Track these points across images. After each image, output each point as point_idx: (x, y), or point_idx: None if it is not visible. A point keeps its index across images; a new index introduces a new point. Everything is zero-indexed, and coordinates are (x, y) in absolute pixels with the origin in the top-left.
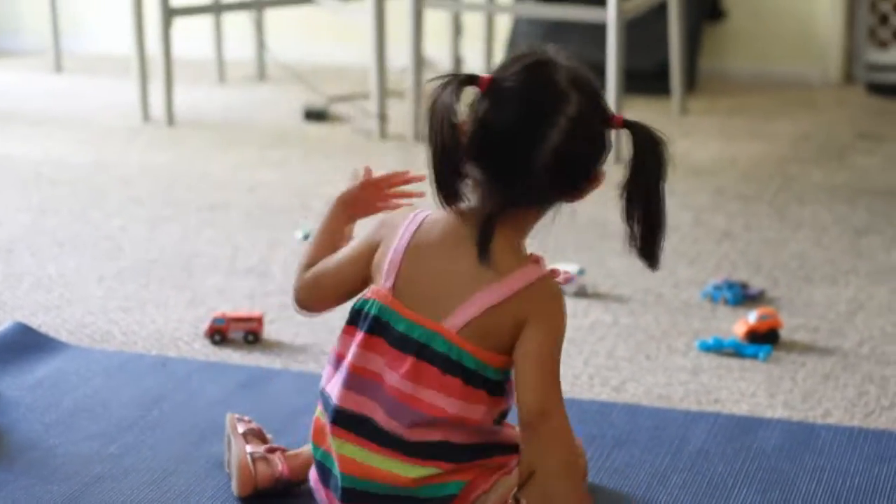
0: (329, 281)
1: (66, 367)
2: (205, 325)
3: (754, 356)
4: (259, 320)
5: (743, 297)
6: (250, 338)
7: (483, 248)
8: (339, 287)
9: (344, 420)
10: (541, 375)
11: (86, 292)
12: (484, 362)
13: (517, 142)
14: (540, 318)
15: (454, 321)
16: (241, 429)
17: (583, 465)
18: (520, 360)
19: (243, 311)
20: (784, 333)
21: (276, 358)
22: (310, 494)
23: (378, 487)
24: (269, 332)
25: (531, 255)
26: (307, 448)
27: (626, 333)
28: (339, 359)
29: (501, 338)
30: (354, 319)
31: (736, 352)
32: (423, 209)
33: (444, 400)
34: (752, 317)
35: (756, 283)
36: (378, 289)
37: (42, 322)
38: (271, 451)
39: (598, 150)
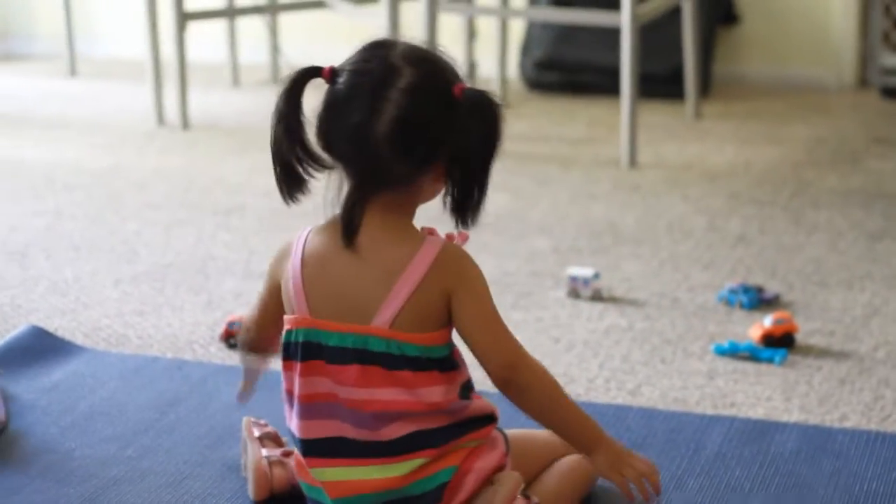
0: (264, 316)
1: (82, 370)
2: (220, 329)
3: (770, 360)
4: None
5: (758, 301)
6: None
7: (348, 232)
8: (276, 319)
9: (313, 449)
10: (491, 334)
11: (101, 296)
12: (425, 345)
13: (354, 119)
14: (460, 283)
15: (382, 318)
16: (257, 432)
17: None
18: (465, 330)
19: None
20: (800, 337)
21: None
22: None
23: (371, 499)
24: None
25: (423, 229)
26: None
27: (641, 337)
28: (289, 395)
29: (432, 315)
30: (287, 353)
31: (752, 356)
32: (304, 227)
33: (399, 393)
34: (767, 321)
35: (771, 288)
36: (295, 317)
37: (58, 325)
38: (287, 454)
39: (440, 118)
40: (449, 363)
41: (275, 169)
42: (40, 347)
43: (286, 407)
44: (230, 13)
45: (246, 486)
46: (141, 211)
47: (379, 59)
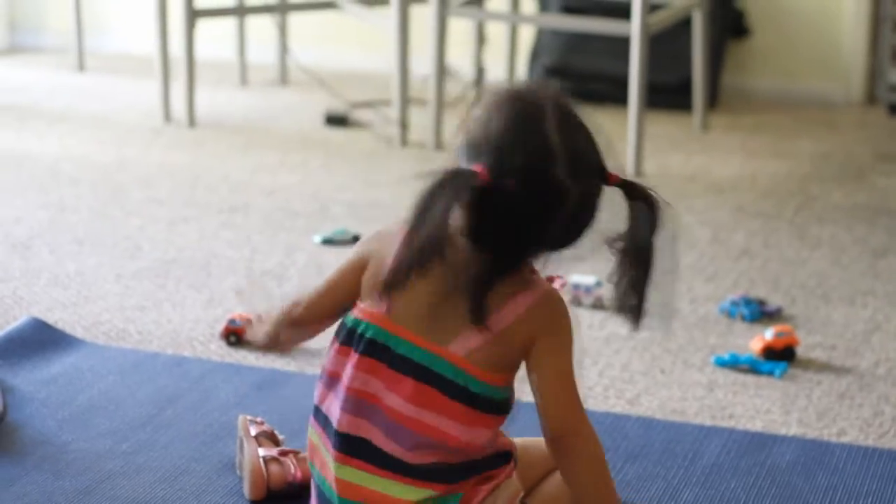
0: (321, 300)
1: (81, 363)
2: (221, 326)
3: (770, 373)
4: None
5: (760, 313)
6: None
7: (477, 315)
8: (334, 305)
9: (345, 445)
10: (563, 393)
11: (103, 290)
12: (492, 385)
13: (519, 236)
14: (550, 335)
15: (460, 346)
16: (253, 431)
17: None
18: (540, 380)
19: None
20: (800, 351)
21: (291, 361)
22: None
23: None
24: None
25: (528, 269)
26: None
27: (641, 347)
28: (332, 378)
29: (509, 359)
30: (348, 340)
31: (752, 368)
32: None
33: (448, 424)
34: (768, 334)
35: (774, 301)
36: (372, 311)
37: (59, 318)
38: (284, 453)
39: (595, 210)
40: (505, 407)
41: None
42: (40, 340)
43: (321, 386)
44: (240, 12)
45: (241, 484)
46: (145, 206)
47: (545, 180)
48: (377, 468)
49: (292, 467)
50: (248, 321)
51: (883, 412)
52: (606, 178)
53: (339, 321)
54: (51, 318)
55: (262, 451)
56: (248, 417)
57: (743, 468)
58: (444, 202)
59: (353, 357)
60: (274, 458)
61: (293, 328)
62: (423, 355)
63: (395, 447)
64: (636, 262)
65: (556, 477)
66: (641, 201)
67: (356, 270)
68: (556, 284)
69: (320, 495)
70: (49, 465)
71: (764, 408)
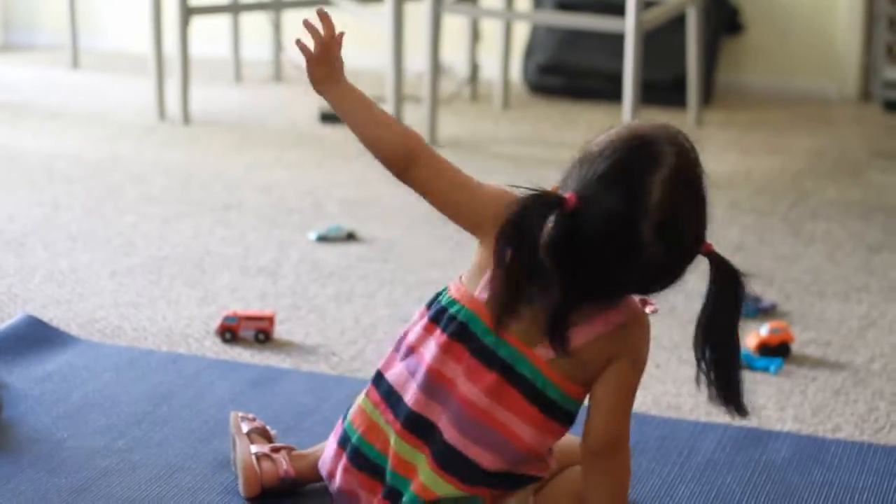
0: (446, 185)
1: (76, 361)
2: (216, 323)
3: (765, 369)
4: (270, 320)
5: (755, 310)
6: (261, 337)
7: (555, 337)
8: (447, 201)
9: (413, 423)
10: (618, 407)
11: (97, 287)
12: (568, 395)
13: (596, 273)
14: (630, 354)
15: (546, 350)
16: (245, 427)
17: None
18: (602, 392)
19: (255, 310)
20: (795, 347)
21: (286, 357)
22: (318, 493)
23: (409, 495)
24: (280, 331)
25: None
26: (314, 450)
27: None
28: (409, 350)
29: (589, 372)
30: (437, 317)
31: (747, 364)
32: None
33: (519, 425)
34: (763, 330)
35: (768, 297)
36: (471, 295)
37: (53, 316)
38: (276, 450)
39: (682, 271)
40: (572, 419)
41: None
42: (35, 337)
43: (392, 354)
44: (234, 9)
45: (236, 481)
46: (139, 204)
47: (627, 230)
48: (431, 456)
49: (284, 463)
50: (244, 318)
51: (878, 408)
52: (700, 246)
53: (435, 297)
54: (45, 316)
55: (254, 448)
56: (240, 414)
57: (738, 464)
58: (531, 222)
59: (439, 336)
60: (266, 455)
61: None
62: (508, 351)
63: (457, 436)
64: (722, 341)
65: (566, 476)
66: (728, 277)
67: (477, 209)
68: (648, 309)
69: (366, 463)
70: (44, 463)
71: (759, 404)
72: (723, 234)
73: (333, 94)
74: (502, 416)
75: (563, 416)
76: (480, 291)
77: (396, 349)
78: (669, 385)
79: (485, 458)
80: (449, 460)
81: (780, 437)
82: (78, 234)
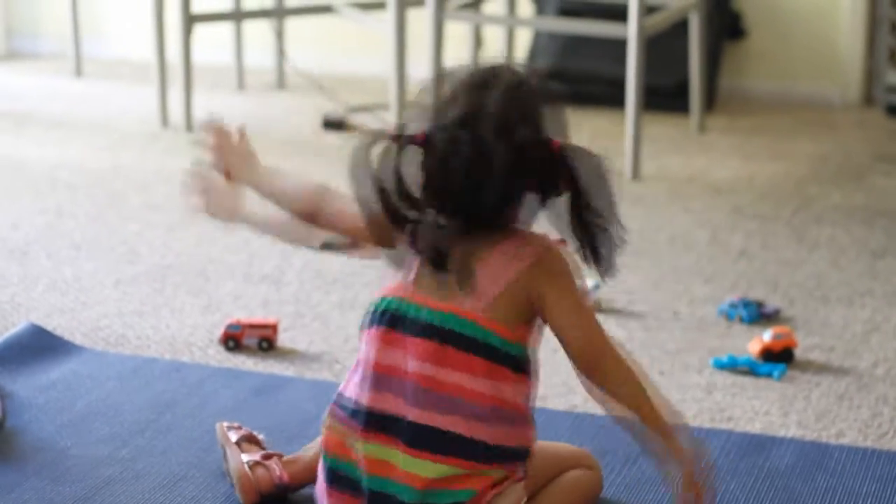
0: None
1: (80, 369)
2: (219, 332)
3: (769, 375)
4: (274, 328)
5: (758, 315)
6: (264, 345)
7: (463, 281)
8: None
9: (374, 422)
10: (581, 321)
11: (101, 296)
12: (507, 340)
13: (462, 194)
14: (553, 286)
15: (476, 303)
16: (233, 437)
17: (597, 479)
18: (557, 320)
19: (258, 318)
20: (799, 353)
21: (289, 365)
22: (312, 498)
23: (395, 488)
24: (284, 339)
25: (535, 231)
26: (305, 452)
27: (640, 349)
28: (358, 363)
29: (521, 313)
30: (371, 321)
31: (750, 370)
32: None
33: (472, 380)
34: (767, 335)
35: (772, 303)
36: (400, 284)
37: (57, 324)
38: (267, 457)
39: (533, 173)
40: (522, 364)
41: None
42: (39, 346)
43: (348, 375)
44: (237, 16)
45: (233, 490)
46: (142, 212)
47: (477, 136)
48: (404, 444)
49: (277, 469)
50: (247, 326)
51: (882, 413)
52: (546, 144)
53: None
54: (49, 325)
55: (245, 458)
56: (226, 424)
57: (742, 470)
58: (391, 164)
59: (376, 332)
60: (258, 463)
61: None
62: (442, 317)
63: (420, 413)
64: (590, 216)
65: (563, 482)
66: (589, 163)
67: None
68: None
69: (342, 481)
70: (48, 472)
71: (763, 410)
72: (726, 238)
73: (253, 182)
74: (453, 377)
75: (510, 362)
76: (408, 274)
77: (352, 370)
78: (673, 391)
79: (453, 424)
80: (420, 438)
81: (783, 443)
82: (81, 243)
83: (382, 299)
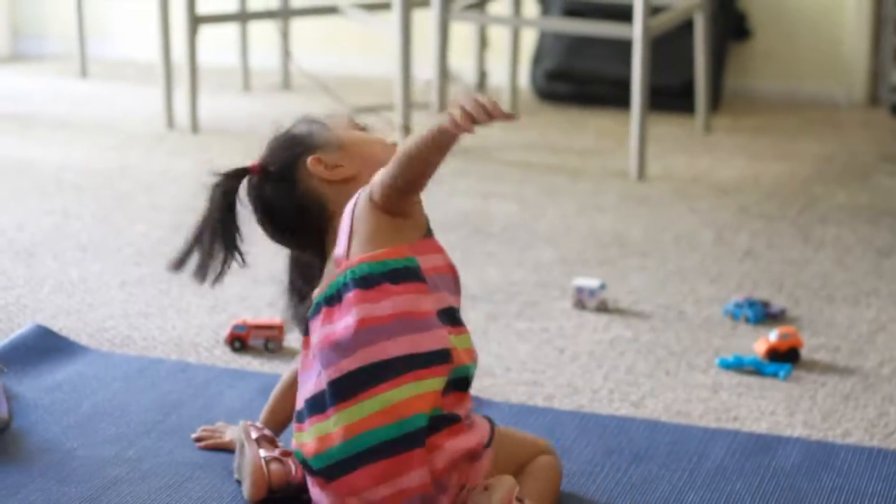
0: None
1: (86, 370)
2: (225, 332)
3: (774, 375)
4: (280, 328)
5: (764, 315)
6: (270, 346)
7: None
8: None
9: (307, 412)
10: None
11: (107, 297)
12: (379, 261)
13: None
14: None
15: (343, 249)
16: (254, 434)
17: (559, 466)
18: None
19: (264, 318)
20: (805, 353)
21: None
22: None
23: (339, 447)
24: (290, 340)
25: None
26: None
27: (646, 349)
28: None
29: (369, 230)
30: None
31: (756, 370)
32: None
33: (350, 317)
34: (772, 335)
35: (778, 302)
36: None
37: (63, 325)
38: (285, 454)
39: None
40: (406, 274)
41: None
42: (45, 347)
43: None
44: (242, 17)
45: (241, 488)
46: (148, 213)
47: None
48: (334, 408)
49: (293, 467)
50: (253, 327)
51: (888, 413)
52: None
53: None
54: (55, 325)
55: (263, 453)
56: (249, 423)
57: (748, 470)
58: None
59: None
60: (275, 458)
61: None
62: (337, 279)
63: (332, 371)
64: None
65: (534, 469)
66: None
67: None
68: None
69: (310, 471)
70: (54, 472)
71: (768, 409)
72: (731, 238)
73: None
74: (339, 325)
75: (386, 278)
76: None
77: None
78: (679, 391)
79: (361, 359)
80: (340, 391)
81: (789, 442)
82: (88, 244)
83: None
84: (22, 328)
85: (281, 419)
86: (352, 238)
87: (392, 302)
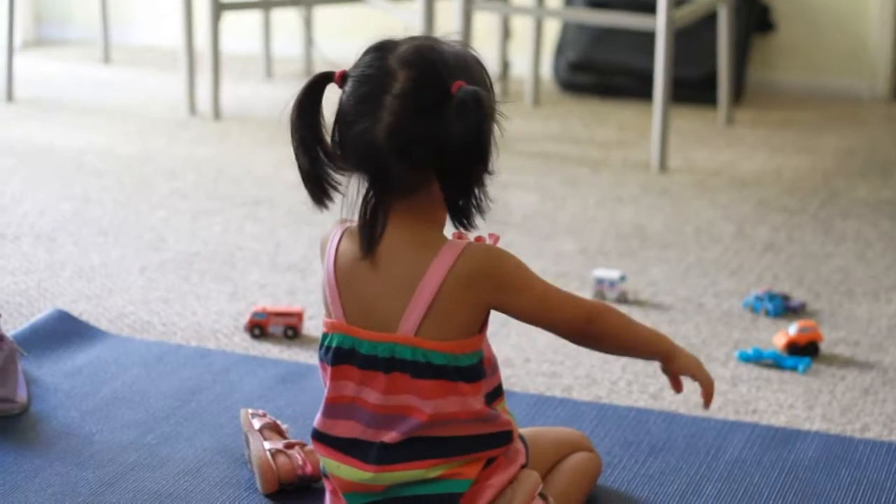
0: None
1: (106, 355)
2: (245, 319)
3: (794, 368)
4: (299, 316)
5: (784, 308)
6: (290, 333)
7: (368, 241)
8: None
9: (323, 439)
10: (554, 303)
11: (127, 282)
12: (452, 353)
13: (357, 127)
14: (502, 290)
15: (406, 326)
16: (256, 424)
17: (598, 461)
18: (530, 319)
19: (284, 306)
20: (824, 346)
21: (314, 353)
22: None
23: (362, 498)
24: (309, 327)
25: (453, 234)
26: None
27: None
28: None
29: (458, 319)
30: (322, 356)
31: (775, 363)
32: (338, 225)
33: (420, 402)
34: (792, 329)
35: (798, 296)
36: (332, 321)
37: (83, 310)
38: (290, 445)
39: (433, 121)
40: (475, 374)
41: (301, 178)
42: (65, 332)
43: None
44: (265, 4)
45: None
46: (169, 199)
47: (377, 65)
48: (360, 462)
49: (300, 459)
50: (273, 314)
51: None
52: (447, 88)
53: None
54: (75, 310)
55: (267, 445)
56: (250, 410)
57: (766, 463)
58: (312, 99)
59: (328, 370)
60: (280, 451)
61: None
62: (384, 347)
63: (371, 432)
64: (453, 166)
65: (565, 467)
66: (464, 106)
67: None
68: (489, 241)
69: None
70: (72, 457)
71: (787, 403)
72: (752, 232)
73: None
74: (404, 401)
75: (462, 374)
76: (335, 311)
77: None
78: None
79: (398, 435)
80: (385, 455)
81: (808, 436)
82: (108, 229)
83: (326, 336)
84: (42, 313)
85: None
86: (434, 301)
87: (466, 400)
